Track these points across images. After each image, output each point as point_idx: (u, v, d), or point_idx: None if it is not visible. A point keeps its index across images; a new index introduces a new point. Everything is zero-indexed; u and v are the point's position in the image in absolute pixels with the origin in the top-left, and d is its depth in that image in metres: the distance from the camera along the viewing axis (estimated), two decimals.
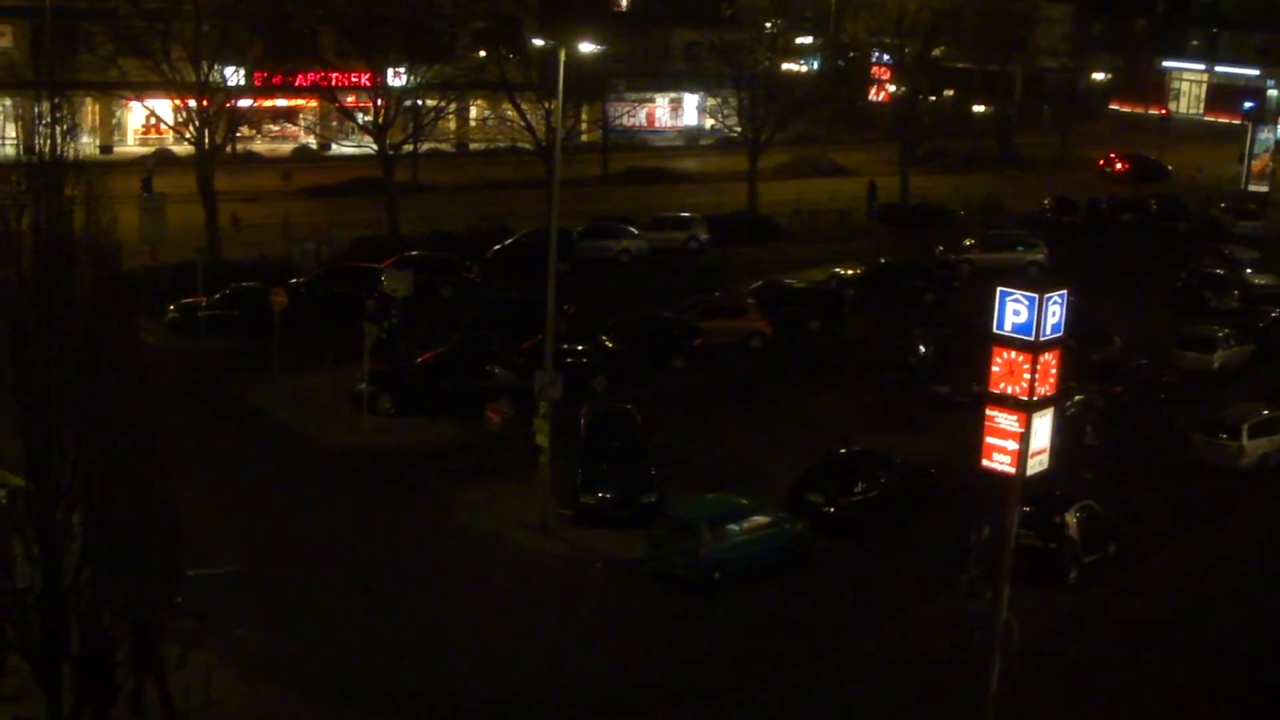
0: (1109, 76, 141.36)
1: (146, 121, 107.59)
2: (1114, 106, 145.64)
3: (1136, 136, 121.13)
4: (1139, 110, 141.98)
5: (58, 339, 23.75)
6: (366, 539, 43.12)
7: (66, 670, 24.88)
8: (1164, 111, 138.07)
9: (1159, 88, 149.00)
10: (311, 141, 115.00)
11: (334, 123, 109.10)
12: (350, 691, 34.05)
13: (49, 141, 23.73)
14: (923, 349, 59.65)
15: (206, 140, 74.93)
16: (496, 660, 35.96)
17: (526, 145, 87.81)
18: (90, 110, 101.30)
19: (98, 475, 24.05)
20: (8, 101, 24.56)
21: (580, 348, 57.68)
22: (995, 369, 26.86)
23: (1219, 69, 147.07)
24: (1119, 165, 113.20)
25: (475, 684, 34.85)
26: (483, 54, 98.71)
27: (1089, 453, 49.37)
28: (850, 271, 74.43)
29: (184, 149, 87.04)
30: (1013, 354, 26.58)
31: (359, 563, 41.46)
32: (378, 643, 36.54)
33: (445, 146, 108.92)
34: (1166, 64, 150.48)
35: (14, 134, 24.09)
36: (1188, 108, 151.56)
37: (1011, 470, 27.04)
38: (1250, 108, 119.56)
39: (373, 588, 39.82)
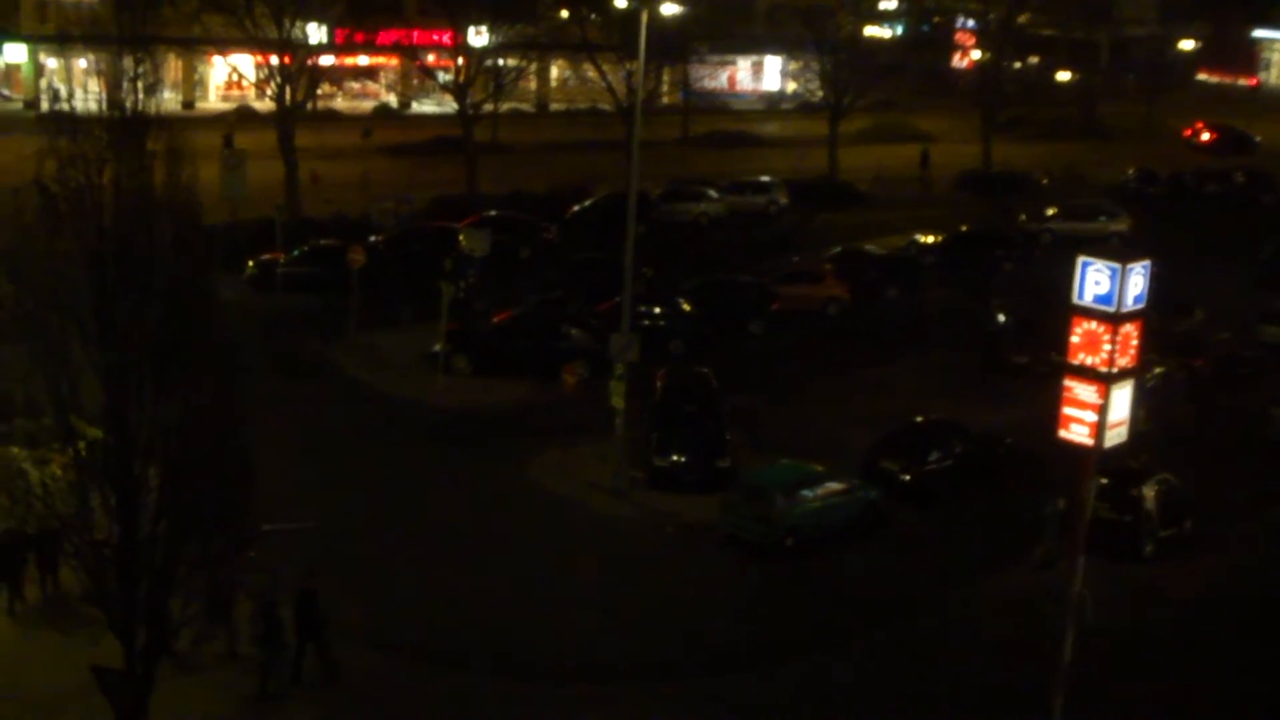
0: (1197, 45, 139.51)
1: (228, 78, 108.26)
2: (1201, 76, 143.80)
3: (1224, 107, 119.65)
4: (1228, 80, 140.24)
5: (138, 293, 23.89)
6: (440, 498, 43.33)
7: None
8: (1254, 82, 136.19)
9: (1249, 57, 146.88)
10: (392, 100, 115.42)
11: (415, 81, 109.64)
12: (418, 648, 34.22)
13: (131, 96, 23.83)
14: (1001, 318, 59.26)
15: (287, 97, 75.28)
16: (567, 621, 36.03)
17: (607, 106, 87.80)
18: (173, 66, 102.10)
19: (175, 429, 24.21)
20: (91, 56, 24.72)
21: (657, 310, 57.62)
22: (1074, 340, 26.60)
23: None
24: (1205, 136, 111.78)
25: (542, 644, 34.94)
26: (565, 14, 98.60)
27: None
28: (930, 239, 74.01)
29: (265, 106, 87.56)
30: (1093, 325, 26.31)
31: (431, 521, 41.67)
32: (447, 601, 36.69)
33: (526, 106, 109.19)
34: (1258, 33, 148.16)
35: (97, 89, 24.16)
36: (1279, 78, 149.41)
37: (1089, 442, 26.78)
38: None
39: (444, 546, 39.97)
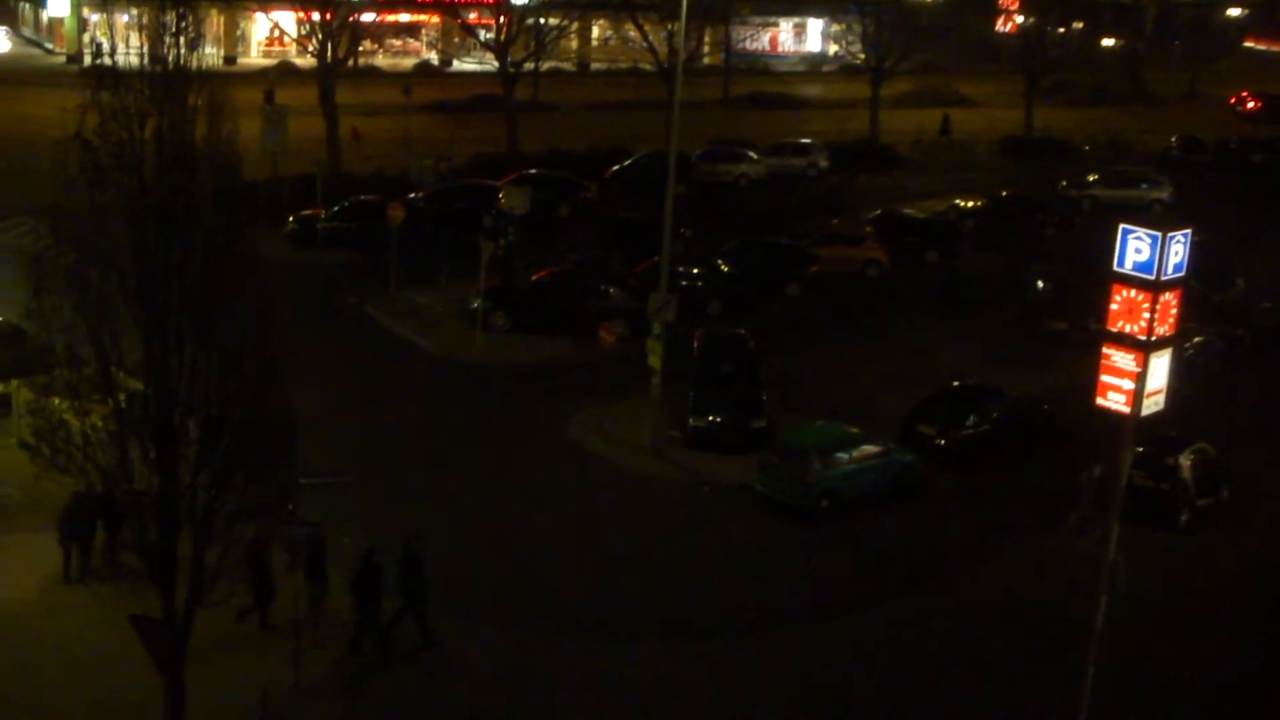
0: (1245, 12, 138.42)
1: (270, 34, 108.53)
2: (1249, 44, 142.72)
3: (1271, 75, 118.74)
4: (1275, 48, 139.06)
5: (179, 246, 24.01)
6: (476, 454, 43.50)
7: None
8: None
9: None
10: (433, 57, 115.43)
11: (456, 39, 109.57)
12: (454, 604, 34.33)
13: (174, 51, 23.90)
14: (1041, 284, 59.14)
15: (329, 53, 75.33)
16: (598, 578, 36.16)
17: (648, 66, 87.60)
18: (215, 21, 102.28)
19: (215, 381, 24.35)
20: (134, 11, 24.73)
21: (696, 271, 57.64)
22: (1114, 307, 26.51)
23: None
24: (1251, 104, 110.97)
25: (571, 599, 35.11)
26: None
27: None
28: (970, 203, 73.80)
29: (306, 62, 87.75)
30: (1132, 292, 26.21)
31: (467, 477, 41.83)
32: (482, 556, 36.86)
33: (567, 65, 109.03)
34: None
35: (139, 43, 24.23)
36: None
37: (1126, 410, 26.72)
38: None
39: (479, 502, 40.13)
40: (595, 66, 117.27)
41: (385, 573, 32.13)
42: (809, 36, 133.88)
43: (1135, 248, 26.10)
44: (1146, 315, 26.05)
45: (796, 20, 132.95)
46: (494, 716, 30.31)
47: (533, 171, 71.56)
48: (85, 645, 30.98)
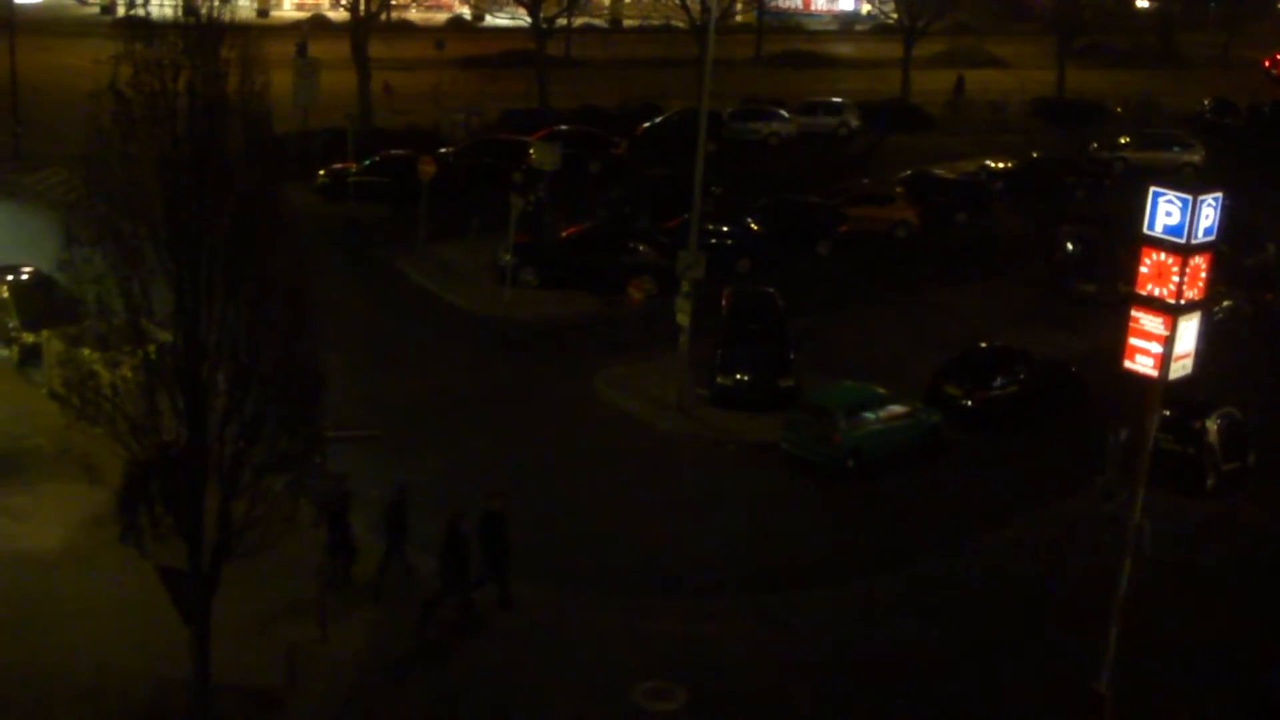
0: None
1: None
2: None
3: None
4: None
5: (210, 198, 24.10)
6: (503, 410, 43.64)
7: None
8: None
9: None
10: (465, 12, 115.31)
11: None
12: (475, 559, 34.40)
13: (207, 3, 23.95)
14: (1070, 246, 58.99)
15: (361, 7, 75.31)
16: (624, 535, 36.28)
17: (680, 24, 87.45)
18: None
19: (244, 333, 24.46)
20: None
21: (725, 229, 57.61)
22: (1143, 270, 26.45)
23: None
24: None
25: (595, 557, 35.23)
26: None
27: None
28: (1001, 165, 73.58)
29: (339, 15, 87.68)
30: (1162, 256, 26.14)
31: (495, 432, 41.96)
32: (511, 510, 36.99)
33: (599, 22, 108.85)
34: None
35: None
36: None
37: (1154, 373, 26.66)
38: None
39: (506, 457, 40.23)
40: (627, 23, 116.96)
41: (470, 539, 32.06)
42: None
43: (1166, 210, 26.01)
44: (1176, 279, 25.98)
45: None
46: (525, 673, 30.45)
47: (563, 128, 71.52)
48: (112, 594, 31.18)
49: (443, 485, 37.53)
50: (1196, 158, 77.47)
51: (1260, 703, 31.56)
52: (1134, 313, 26.76)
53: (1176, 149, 78.43)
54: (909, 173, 69.95)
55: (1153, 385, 26.97)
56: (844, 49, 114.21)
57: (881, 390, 42.74)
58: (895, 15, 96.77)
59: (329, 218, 60.07)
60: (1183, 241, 25.85)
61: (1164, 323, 26.29)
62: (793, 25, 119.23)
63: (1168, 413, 37.18)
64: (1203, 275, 26.44)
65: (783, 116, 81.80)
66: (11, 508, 35.12)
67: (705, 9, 74.95)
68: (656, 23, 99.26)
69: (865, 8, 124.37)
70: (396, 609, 32.11)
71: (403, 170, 61.76)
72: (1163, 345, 26.33)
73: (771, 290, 49.81)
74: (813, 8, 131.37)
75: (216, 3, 23.94)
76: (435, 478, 38.12)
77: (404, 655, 30.82)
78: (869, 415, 41.36)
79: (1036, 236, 62.36)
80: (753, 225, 59.08)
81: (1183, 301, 26.11)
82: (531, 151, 61.49)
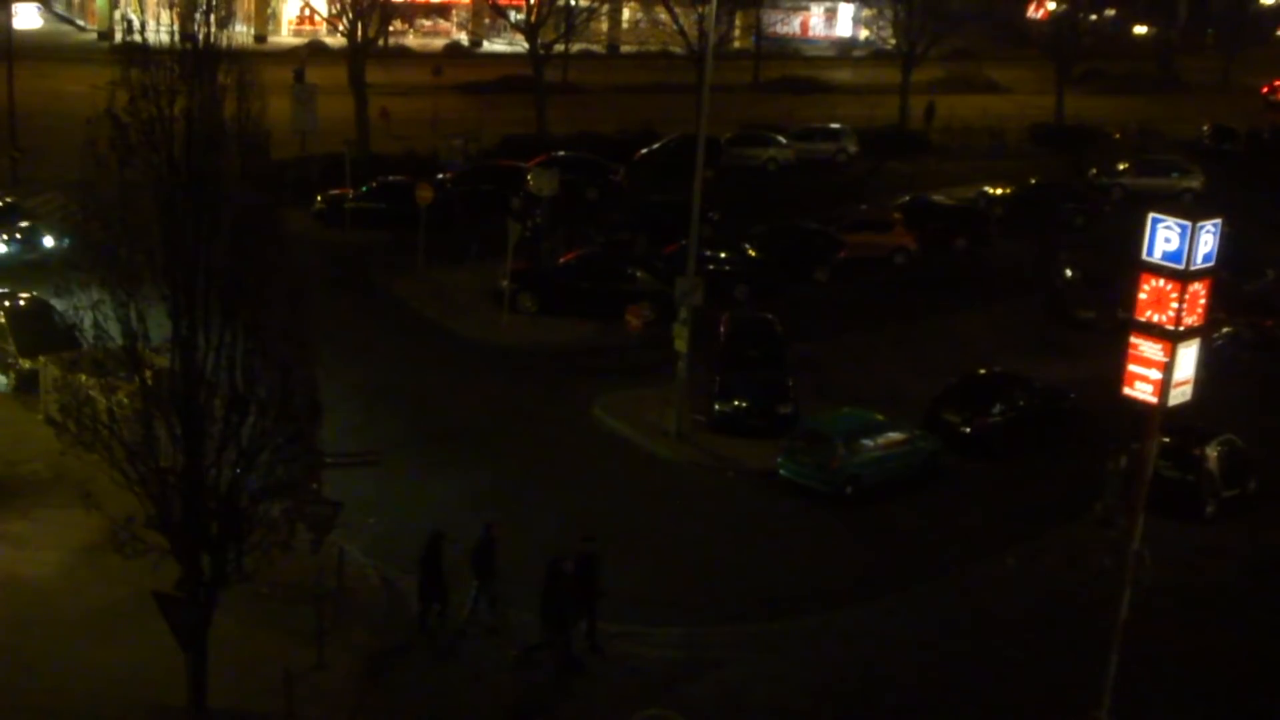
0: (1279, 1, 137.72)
1: (301, 12, 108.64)
2: None
3: None
4: None
5: (206, 224, 24.08)
6: (501, 435, 43.54)
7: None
8: None
9: None
10: (463, 38, 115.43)
11: (486, 20, 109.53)
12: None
13: (204, 29, 23.96)
14: (1069, 272, 58.97)
15: (359, 33, 75.37)
16: (621, 561, 36.12)
17: (678, 50, 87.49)
18: None
19: (241, 359, 24.43)
20: None
21: (723, 255, 57.64)
22: (1142, 296, 26.41)
23: None
24: None
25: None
26: None
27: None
28: (999, 191, 73.58)
29: (337, 41, 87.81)
30: (1161, 282, 26.09)
31: (492, 458, 41.84)
32: (505, 537, 36.86)
33: (597, 48, 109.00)
34: None
35: (170, 20, 24.31)
36: None
37: (1153, 400, 26.63)
38: None
39: (503, 483, 40.12)
40: (625, 49, 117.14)
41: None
42: (840, 21, 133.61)
43: (1165, 237, 25.96)
44: (1175, 305, 25.93)
45: (828, 5, 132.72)
46: (524, 700, 30.33)
47: (561, 154, 71.52)
48: (108, 620, 31.07)
49: (443, 512, 37.50)
50: (1195, 183, 77.42)
51: None
52: (1133, 339, 26.70)
53: (1175, 175, 78.40)
54: (907, 199, 69.92)
55: (1152, 412, 26.90)
56: (842, 74, 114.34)
57: (880, 417, 42.68)
58: (893, 41, 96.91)
59: (327, 244, 60.03)
60: (1182, 268, 25.79)
61: (1163, 349, 26.22)
62: (790, 51, 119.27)
63: (1167, 439, 37.11)
64: (1202, 301, 26.37)
65: (781, 142, 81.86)
66: (8, 534, 35.02)
67: (703, 35, 75.05)
68: (654, 49, 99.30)
69: (863, 33, 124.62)
70: (390, 635, 32.03)
71: (400, 196, 61.76)
72: (1162, 372, 26.26)
73: (770, 316, 49.79)
74: (810, 34, 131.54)
75: (213, 29, 23.95)
76: (433, 506, 38.08)
77: (399, 682, 30.70)
78: (867, 442, 41.29)
79: (1035, 263, 62.33)
80: (751, 251, 59.08)
81: (1182, 328, 26.05)
82: (529, 177, 61.47)
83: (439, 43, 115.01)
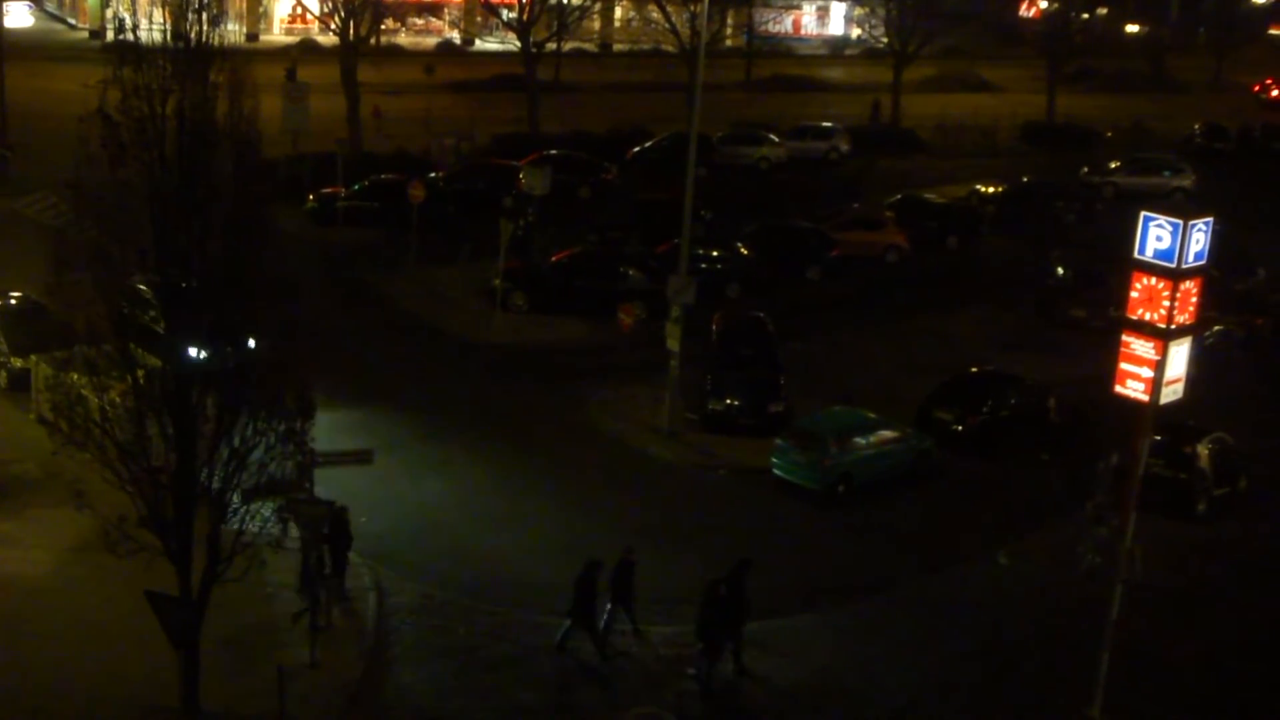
0: (1271, 0, 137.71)
1: (293, 11, 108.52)
2: (1274, 31, 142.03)
3: None
4: None
5: (198, 222, 24.08)
6: (493, 434, 43.50)
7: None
8: None
9: None
10: (455, 36, 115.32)
11: (478, 18, 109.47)
12: (466, 585, 34.36)
13: (196, 28, 23.95)
14: (1061, 271, 59.02)
15: (351, 31, 75.33)
16: (612, 560, 36.07)
17: (670, 48, 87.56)
18: None
19: (233, 358, 24.44)
20: None
21: (715, 254, 57.62)
22: (1134, 295, 26.46)
23: None
24: (1275, 92, 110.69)
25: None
26: None
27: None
28: (991, 189, 73.61)
29: (329, 40, 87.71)
30: (1153, 280, 26.14)
31: (483, 456, 41.84)
32: (493, 535, 36.88)
33: (589, 46, 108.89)
34: None
35: (162, 19, 24.30)
36: None
37: (1145, 398, 26.67)
38: None
39: (494, 483, 40.13)
40: (617, 47, 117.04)
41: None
42: (832, 20, 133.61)
43: (1156, 235, 26.02)
44: (1166, 303, 25.98)
45: (819, 3, 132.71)
46: (518, 699, 30.32)
47: (553, 152, 71.48)
48: (100, 620, 31.04)
49: (437, 512, 37.60)
50: (1187, 182, 77.49)
51: None
52: (1125, 337, 26.74)
53: (1167, 173, 78.49)
54: (899, 197, 69.95)
55: (1144, 410, 26.94)
56: (834, 73, 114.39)
57: (872, 415, 42.68)
58: (885, 40, 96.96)
59: (318, 243, 60.01)
60: (1173, 266, 25.85)
61: (1155, 347, 26.28)
62: (782, 50, 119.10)
63: (1159, 437, 37.15)
64: (1193, 300, 26.43)
65: (773, 141, 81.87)
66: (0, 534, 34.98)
67: (695, 33, 75.04)
68: (646, 47, 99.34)
69: (855, 32, 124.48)
70: (386, 639, 32.03)
71: (392, 195, 61.80)
72: (1153, 370, 26.31)
73: (762, 315, 49.78)
74: (802, 32, 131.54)
75: (205, 27, 23.94)
76: (421, 501, 38.12)
77: (394, 681, 30.70)
78: (859, 440, 41.30)
79: (1027, 261, 62.37)
80: (743, 250, 59.09)
81: (1173, 326, 26.10)
82: (521, 176, 61.46)
83: (431, 41, 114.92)
